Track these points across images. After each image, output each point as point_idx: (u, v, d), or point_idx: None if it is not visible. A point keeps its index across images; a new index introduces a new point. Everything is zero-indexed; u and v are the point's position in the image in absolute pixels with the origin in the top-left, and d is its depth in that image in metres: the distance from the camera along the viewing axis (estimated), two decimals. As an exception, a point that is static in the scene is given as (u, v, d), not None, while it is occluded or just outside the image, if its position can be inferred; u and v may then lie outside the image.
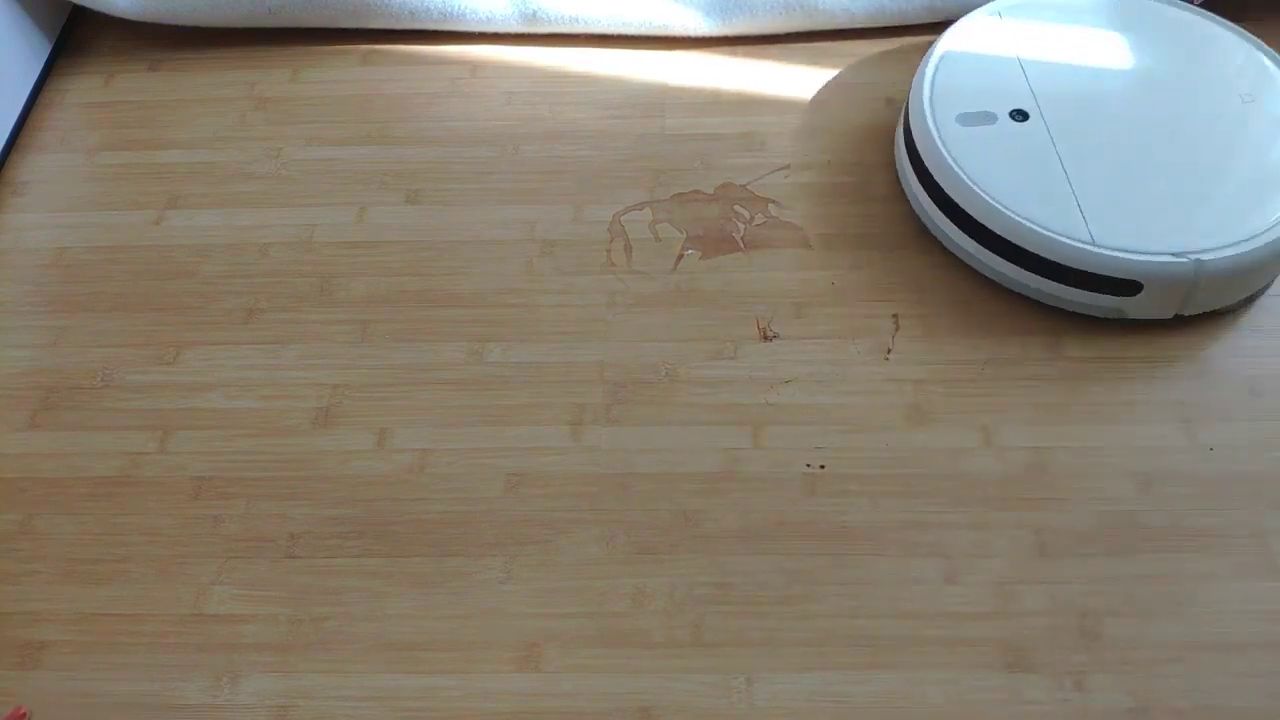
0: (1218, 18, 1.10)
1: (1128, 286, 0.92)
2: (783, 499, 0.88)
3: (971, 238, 0.98)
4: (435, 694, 0.80)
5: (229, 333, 1.01)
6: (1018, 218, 0.94)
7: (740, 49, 1.22)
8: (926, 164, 1.01)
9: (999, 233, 0.95)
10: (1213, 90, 1.04)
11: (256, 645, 0.83)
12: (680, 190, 1.09)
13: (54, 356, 1.00)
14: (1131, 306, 0.94)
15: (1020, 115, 1.02)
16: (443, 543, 0.87)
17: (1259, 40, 1.07)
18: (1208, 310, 0.96)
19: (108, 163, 1.16)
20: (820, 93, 1.17)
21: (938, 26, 1.20)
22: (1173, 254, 0.91)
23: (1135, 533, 0.85)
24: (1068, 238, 0.92)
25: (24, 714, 0.80)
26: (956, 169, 0.98)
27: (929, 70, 1.06)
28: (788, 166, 1.08)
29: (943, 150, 0.99)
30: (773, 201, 1.08)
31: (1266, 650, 0.80)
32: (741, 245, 1.04)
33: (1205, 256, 0.91)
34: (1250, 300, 0.97)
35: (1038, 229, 0.93)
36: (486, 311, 1.01)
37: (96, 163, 1.16)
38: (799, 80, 1.18)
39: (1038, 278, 0.95)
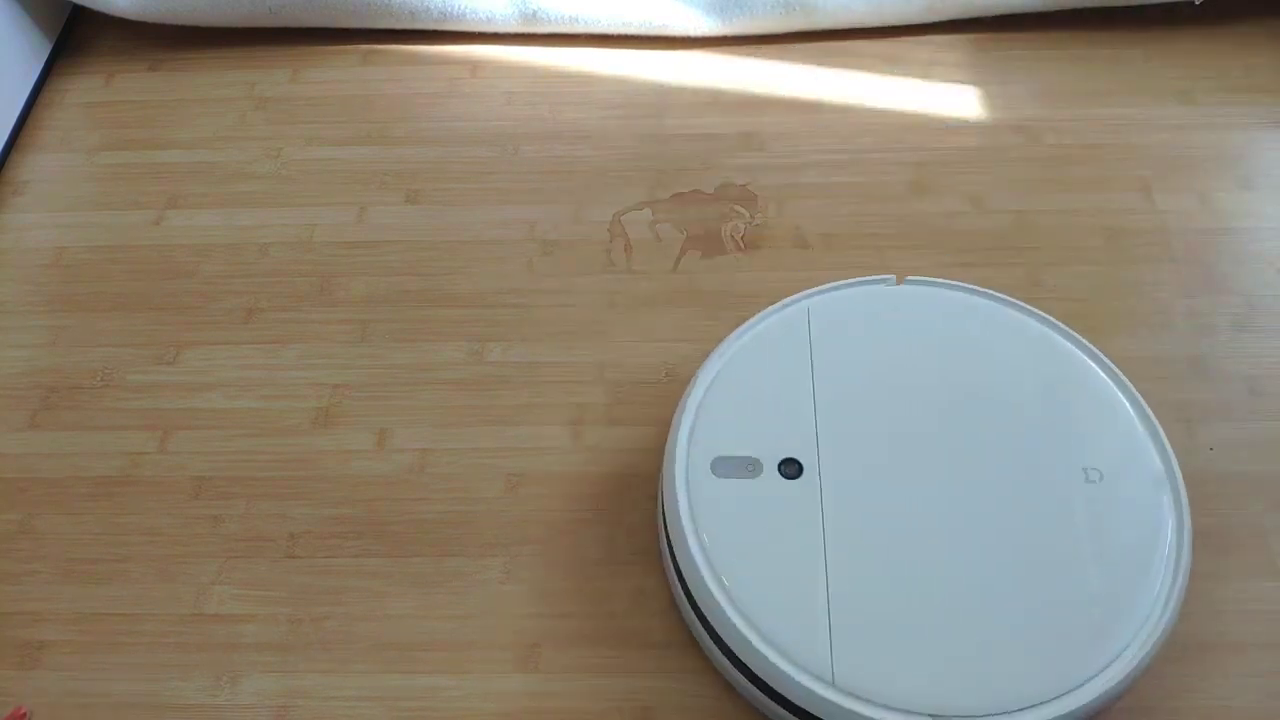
0: (1074, 334, 0.83)
1: None
2: (783, 499, 0.88)
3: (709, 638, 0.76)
4: (435, 694, 0.80)
5: (229, 332, 1.01)
6: (752, 636, 0.70)
7: (740, 49, 1.22)
8: (668, 524, 0.77)
9: (731, 646, 0.72)
10: (1053, 466, 0.76)
11: (256, 645, 0.83)
12: (680, 190, 1.09)
13: (54, 356, 1.00)
14: None
15: (792, 468, 0.76)
16: (443, 543, 0.87)
17: (1117, 371, 0.81)
18: None
19: (108, 163, 1.16)
20: (821, 93, 1.17)
21: (938, 26, 1.21)
22: (921, 714, 0.67)
23: (1135, 533, 0.85)
24: (805, 671, 0.69)
25: (24, 714, 0.80)
26: (694, 544, 0.74)
27: (698, 389, 0.81)
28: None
29: (682, 512, 0.75)
30: (773, 201, 1.08)
31: (1266, 650, 0.80)
32: (741, 245, 1.04)
33: None
34: None
35: (773, 658, 0.69)
36: (486, 311, 1.01)
37: (96, 163, 1.16)
38: (799, 80, 1.18)
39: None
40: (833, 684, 0.68)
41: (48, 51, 1.24)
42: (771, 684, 0.71)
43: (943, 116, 1.14)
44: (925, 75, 1.18)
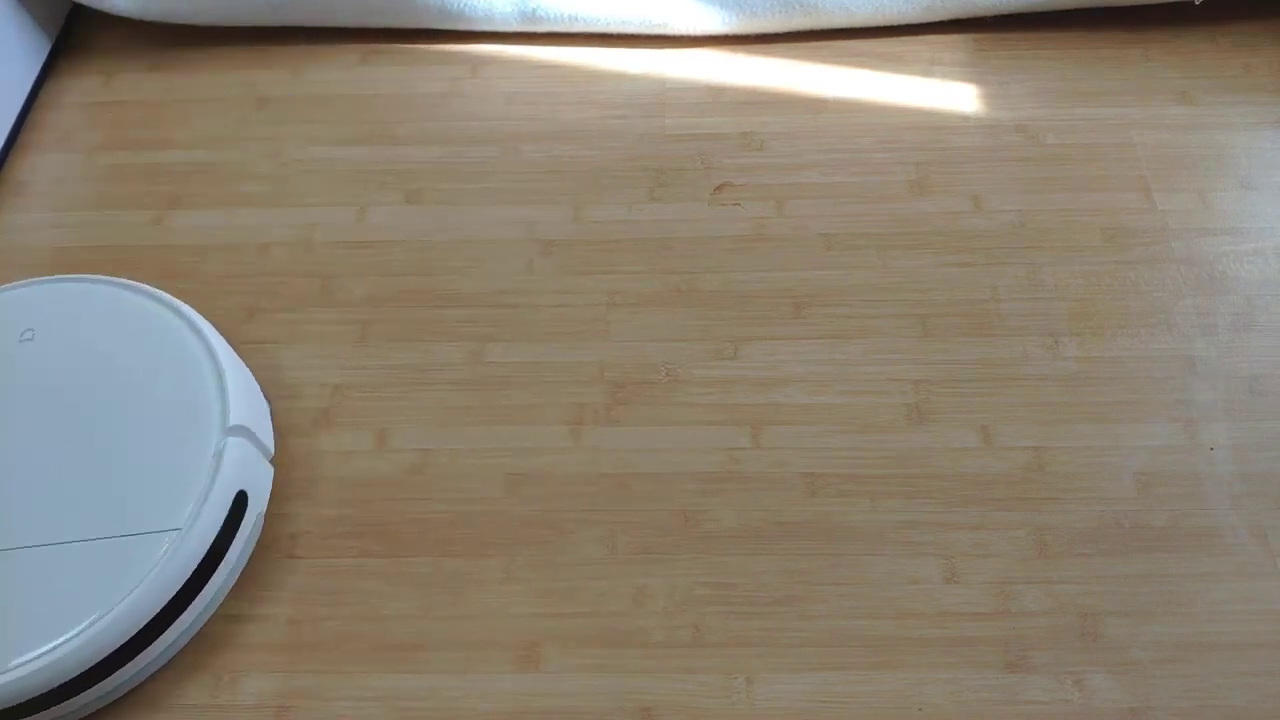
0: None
1: None
2: (783, 499, 0.88)
3: None
4: (435, 694, 0.80)
5: (230, 333, 1.00)
6: None
7: (740, 48, 1.22)
8: None
9: None
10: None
11: (256, 645, 0.83)
12: (680, 190, 1.09)
13: (54, 356, 1.00)
14: None
15: None
16: (443, 543, 0.87)
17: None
18: None
19: (108, 162, 1.16)
20: (821, 92, 1.17)
21: (938, 26, 1.21)
22: None
23: (1135, 533, 0.85)
24: None
25: None
26: None
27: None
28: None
29: None
30: (773, 201, 1.08)
31: (1266, 650, 0.80)
32: (741, 245, 1.04)
33: None
34: None
35: None
36: (486, 311, 1.01)
37: (96, 163, 1.16)
38: (799, 80, 1.18)
39: None
40: None
41: (48, 51, 1.24)
42: None
43: (943, 116, 1.14)
44: (926, 75, 1.18)
